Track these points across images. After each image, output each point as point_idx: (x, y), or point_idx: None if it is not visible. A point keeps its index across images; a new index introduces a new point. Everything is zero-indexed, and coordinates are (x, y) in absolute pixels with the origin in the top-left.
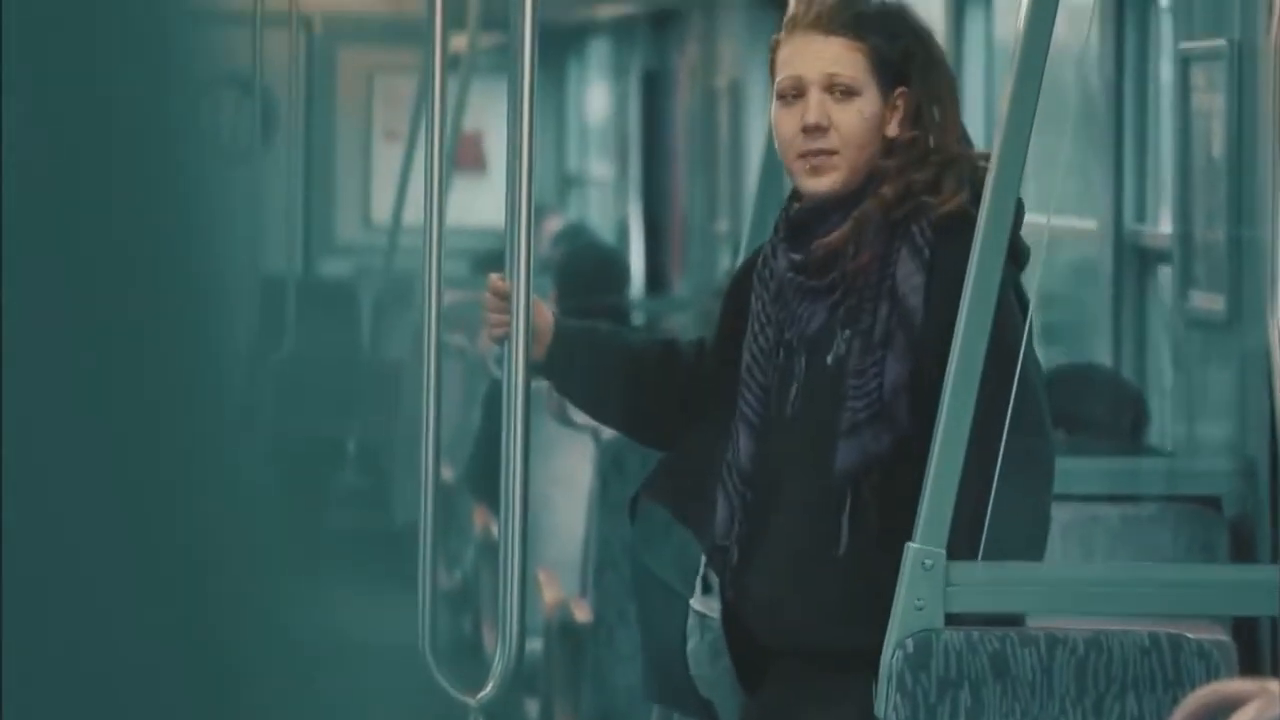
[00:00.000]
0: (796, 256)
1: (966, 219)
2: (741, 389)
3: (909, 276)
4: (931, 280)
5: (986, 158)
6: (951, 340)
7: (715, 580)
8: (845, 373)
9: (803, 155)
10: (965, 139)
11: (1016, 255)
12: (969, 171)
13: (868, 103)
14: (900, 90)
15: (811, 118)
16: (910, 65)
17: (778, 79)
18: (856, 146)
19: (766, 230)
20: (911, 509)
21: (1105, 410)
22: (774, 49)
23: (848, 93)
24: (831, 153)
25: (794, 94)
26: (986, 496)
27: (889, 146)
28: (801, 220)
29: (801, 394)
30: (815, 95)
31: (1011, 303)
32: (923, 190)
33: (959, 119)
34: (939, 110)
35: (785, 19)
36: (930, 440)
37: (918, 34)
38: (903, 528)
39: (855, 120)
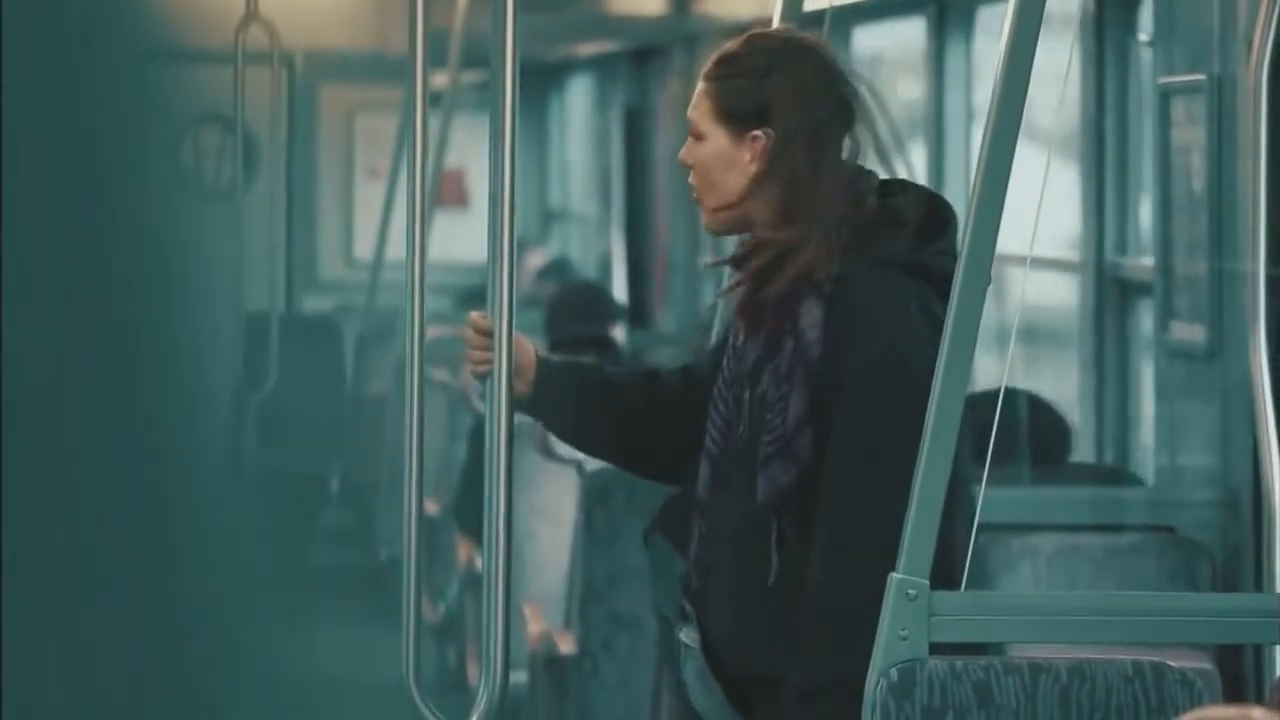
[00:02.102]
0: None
1: (854, 266)
2: (706, 421)
3: (809, 313)
4: (829, 316)
5: (893, 196)
6: (865, 374)
7: (692, 611)
8: (765, 407)
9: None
10: (840, 182)
11: (930, 275)
12: (836, 223)
13: (713, 145)
14: (756, 133)
15: (680, 155)
16: (768, 108)
17: None
18: (709, 185)
19: None
20: (820, 543)
21: (1032, 435)
22: None
23: (697, 136)
24: (695, 190)
25: None
26: (888, 524)
27: (761, 187)
28: (734, 259)
29: (744, 427)
30: (689, 138)
31: (912, 324)
32: (764, 276)
33: (830, 161)
34: (800, 155)
35: None
36: (831, 473)
37: (787, 75)
38: (816, 561)
39: (703, 161)
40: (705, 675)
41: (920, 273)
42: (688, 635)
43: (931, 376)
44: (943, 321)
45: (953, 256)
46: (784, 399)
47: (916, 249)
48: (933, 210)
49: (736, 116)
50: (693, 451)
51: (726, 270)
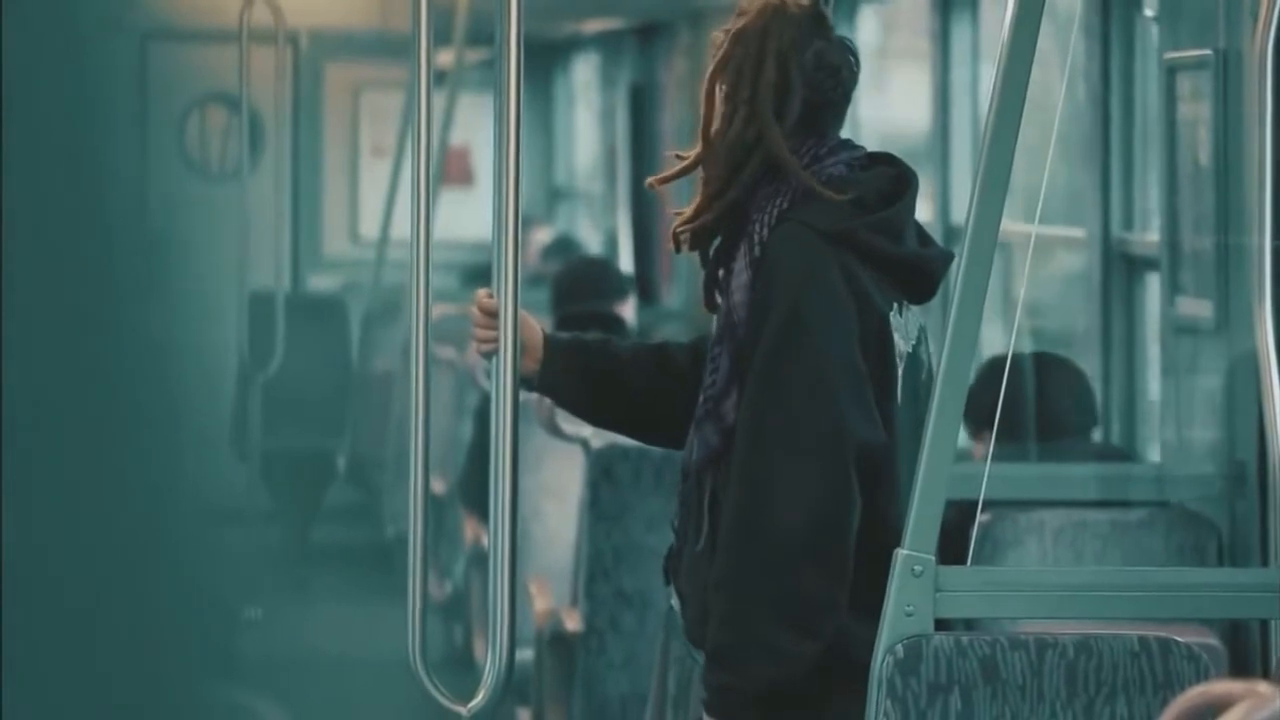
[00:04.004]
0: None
1: (782, 220)
2: (701, 390)
3: (739, 274)
4: (756, 278)
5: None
6: (762, 332)
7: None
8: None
9: None
10: (778, 138)
11: (858, 245)
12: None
13: (708, 107)
14: (723, 90)
15: None
16: (731, 66)
17: None
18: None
19: None
20: (735, 502)
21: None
22: None
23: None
24: None
25: None
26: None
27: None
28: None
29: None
30: None
31: (816, 287)
32: (709, 206)
33: (775, 116)
34: (750, 112)
35: None
36: (739, 435)
37: (753, 33)
38: (734, 520)
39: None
40: (685, 641)
41: (846, 241)
42: (674, 600)
43: (835, 341)
44: (868, 292)
45: (889, 234)
46: (714, 360)
47: (847, 219)
48: (891, 185)
49: (717, 74)
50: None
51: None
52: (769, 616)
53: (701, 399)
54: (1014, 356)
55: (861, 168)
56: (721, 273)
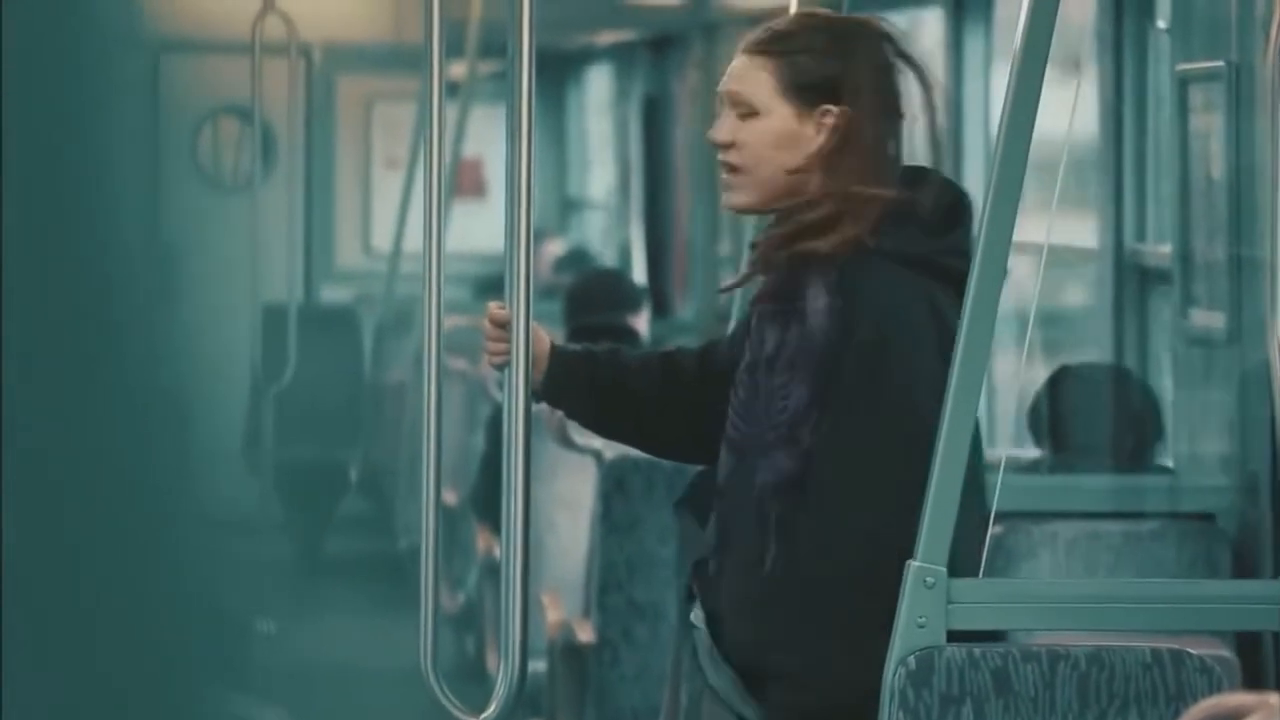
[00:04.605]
0: (760, 280)
1: (865, 250)
2: (729, 407)
3: (815, 300)
4: (835, 302)
5: (924, 183)
6: (855, 361)
7: (698, 592)
8: (772, 394)
9: (721, 169)
10: (892, 165)
11: (938, 271)
12: (875, 207)
13: (772, 122)
14: (827, 109)
15: (718, 134)
16: (840, 86)
17: None
18: (760, 164)
19: None
20: (818, 527)
21: (1107, 425)
22: None
23: (750, 112)
24: (737, 169)
25: (720, 110)
26: (887, 518)
27: (817, 166)
28: (755, 243)
29: (759, 414)
30: (725, 113)
31: (906, 318)
32: (811, 233)
33: (890, 144)
34: (866, 135)
35: None
36: (824, 460)
37: (857, 54)
38: (816, 546)
39: (756, 139)
40: (714, 654)
41: (928, 269)
42: (695, 615)
43: (920, 369)
44: (949, 320)
45: (964, 255)
46: (787, 386)
47: (926, 244)
48: (950, 205)
49: (806, 91)
50: (714, 432)
51: (746, 257)
52: (850, 641)
53: (772, 425)
54: (1077, 369)
55: (908, 184)
56: (764, 296)
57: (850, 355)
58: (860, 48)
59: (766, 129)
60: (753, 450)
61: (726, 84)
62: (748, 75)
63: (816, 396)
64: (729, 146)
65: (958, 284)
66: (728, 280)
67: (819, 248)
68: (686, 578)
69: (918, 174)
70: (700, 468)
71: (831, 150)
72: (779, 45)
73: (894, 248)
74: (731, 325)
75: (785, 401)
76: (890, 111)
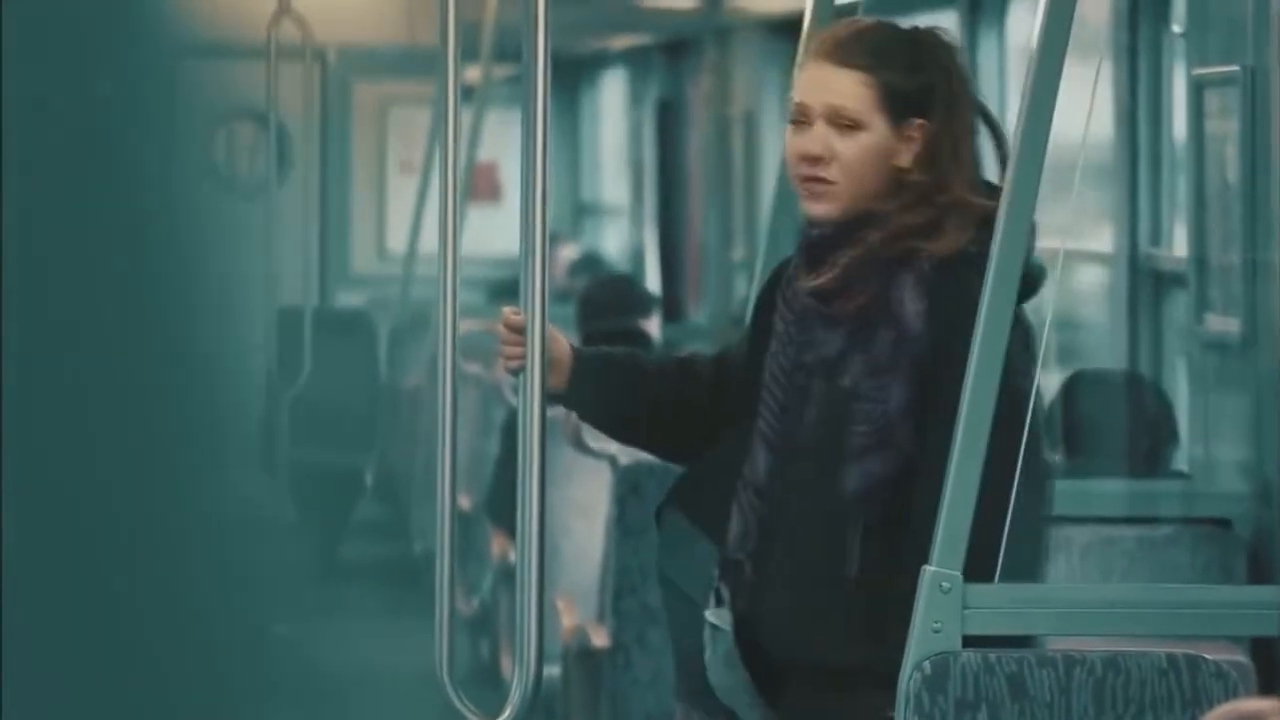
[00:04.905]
0: (814, 282)
1: (965, 256)
2: (760, 406)
3: (912, 303)
4: (934, 305)
5: (997, 196)
6: (956, 364)
7: (726, 593)
8: (855, 397)
9: (803, 181)
10: (979, 176)
11: (1024, 278)
12: (975, 214)
13: (873, 135)
14: (918, 123)
15: (811, 148)
16: (931, 98)
17: (791, 102)
18: (857, 178)
19: (781, 256)
20: (917, 531)
21: (1121, 430)
22: (797, 70)
23: (851, 126)
24: (830, 182)
25: (801, 120)
26: (992, 522)
27: (900, 178)
28: (815, 245)
29: (816, 416)
30: (819, 126)
31: (1014, 330)
32: (916, 234)
33: (976, 156)
34: (956, 146)
35: (806, 43)
36: (936, 463)
37: (942, 67)
38: (910, 549)
39: (857, 153)
40: (733, 657)
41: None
42: (718, 617)
43: (1025, 373)
44: (1023, 320)
45: (1037, 264)
46: (884, 389)
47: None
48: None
49: (900, 105)
50: (718, 437)
51: (793, 260)
52: None
53: (862, 429)
54: (1091, 374)
55: (986, 194)
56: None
57: (955, 359)
58: (946, 61)
59: (868, 143)
60: (805, 454)
61: (820, 96)
62: (846, 89)
63: (917, 400)
64: (824, 160)
65: (1032, 284)
66: (809, 281)
67: (934, 249)
68: (711, 580)
69: (989, 185)
70: (685, 473)
71: (924, 161)
72: (874, 59)
73: (987, 250)
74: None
75: (881, 405)
76: (973, 123)
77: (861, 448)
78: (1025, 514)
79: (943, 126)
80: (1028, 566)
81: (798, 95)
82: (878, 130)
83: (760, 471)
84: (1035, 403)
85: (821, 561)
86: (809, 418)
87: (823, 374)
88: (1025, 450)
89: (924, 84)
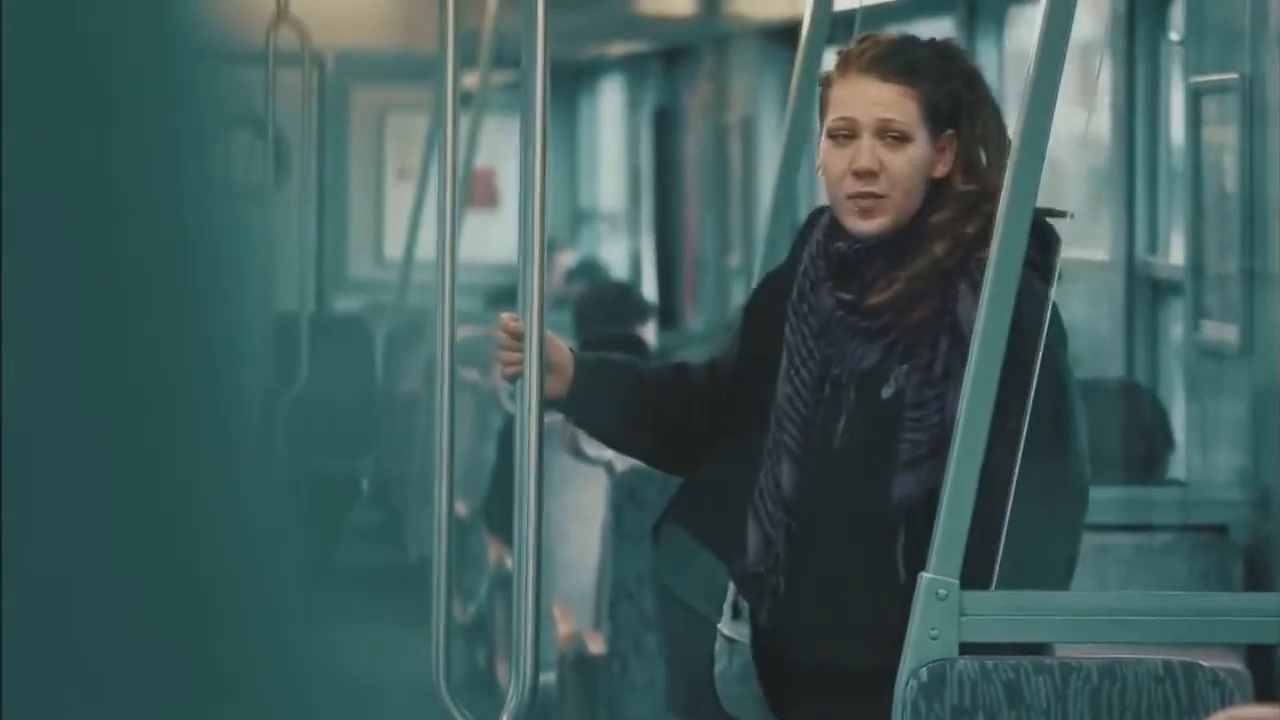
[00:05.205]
0: (846, 296)
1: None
2: (782, 420)
3: (969, 311)
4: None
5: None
6: (1013, 374)
7: (745, 605)
8: (903, 406)
9: (851, 196)
10: (1003, 171)
11: (1043, 270)
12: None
13: (918, 148)
14: (949, 133)
15: (864, 162)
16: (959, 108)
17: (830, 118)
18: (905, 191)
19: (778, 263)
20: (982, 536)
21: (1118, 437)
22: (825, 84)
23: (900, 138)
24: (881, 196)
25: (845, 135)
26: (1026, 524)
27: (936, 188)
28: (849, 259)
29: (851, 426)
30: (867, 140)
31: (1060, 332)
32: (972, 243)
33: (1005, 161)
34: (986, 153)
35: (839, 57)
36: (993, 469)
37: (967, 76)
38: (979, 554)
39: (906, 166)
40: (747, 671)
41: (1048, 279)
42: (735, 630)
43: (1072, 378)
44: (1060, 319)
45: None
46: (940, 397)
47: (1046, 258)
48: (1041, 220)
49: (937, 118)
50: (712, 447)
51: (811, 266)
52: None
53: (916, 438)
54: (1087, 381)
55: None
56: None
57: (1014, 364)
58: (966, 69)
59: (916, 155)
60: (839, 463)
61: (868, 110)
62: (894, 101)
63: None
64: (875, 174)
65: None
66: (877, 296)
67: (980, 259)
68: (720, 593)
69: None
70: (683, 487)
71: (959, 170)
72: (915, 72)
73: (1031, 259)
74: (737, 340)
75: (937, 415)
76: (998, 133)
77: (915, 456)
78: (1058, 523)
79: (971, 135)
80: (1058, 578)
81: (842, 109)
82: (921, 142)
83: (785, 484)
84: (1079, 408)
85: (865, 569)
86: (841, 429)
87: (856, 386)
88: (1066, 451)
89: (953, 94)
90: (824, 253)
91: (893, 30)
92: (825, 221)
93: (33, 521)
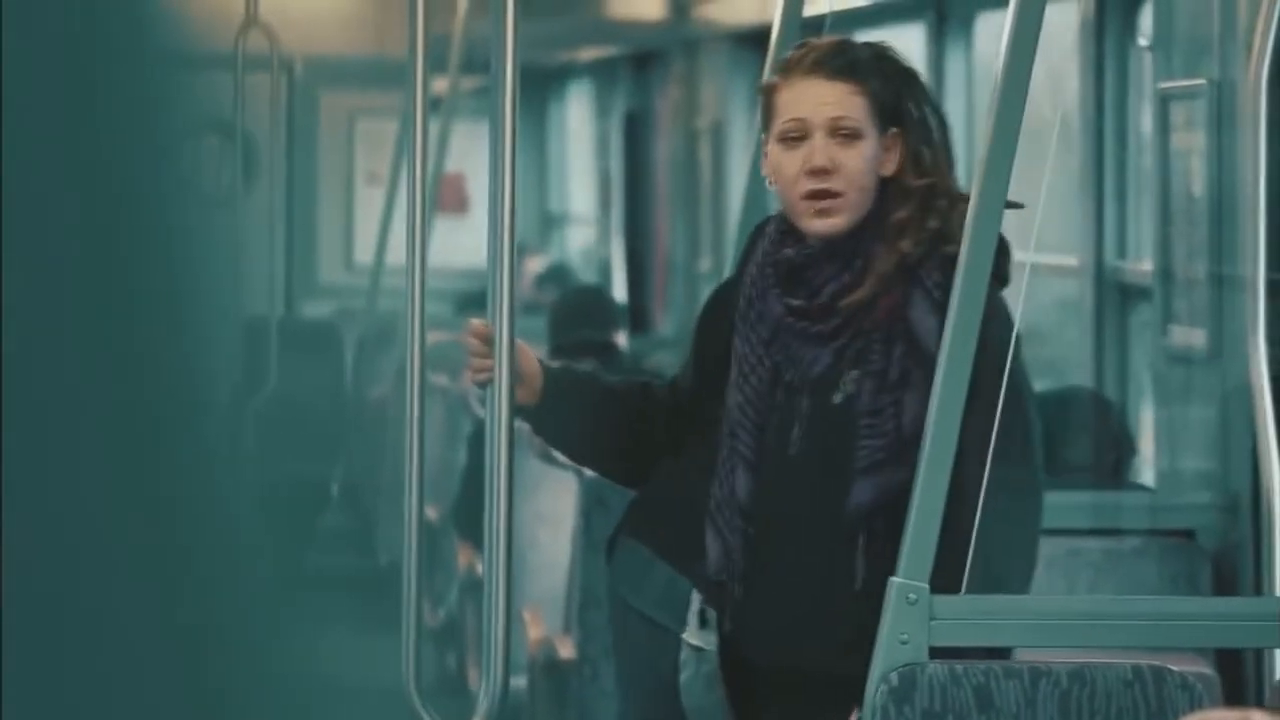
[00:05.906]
0: (795, 302)
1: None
2: (735, 429)
3: (923, 318)
4: (945, 321)
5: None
6: (989, 372)
7: (712, 615)
8: (856, 412)
9: (808, 196)
10: (953, 175)
11: (1001, 276)
12: (957, 210)
13: (869, 145)
14: (894, 131)
15: (818, 160)
16: (902, 106)
17: (779, 121)
18: (860, 188)
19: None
20: (946, 540)
21: (1086, 445)
22: (768, 92)
23: (851, 135)
24: (837, 195)
25: (796, 136)
26: (990, 528)
27: (885, 187)
28: (796, 265)
29: (805, 434)
30: (820, 138)
31: (996, 326)
32: (935, 237)
33: (950, 157)
34: (930, 151)
35: (781, 63)
36: (959, 474)
37: (907, 76)
38: (944, 559)
39: (859, 163)
40: (713, 679)
41: (1003, 282)
42: (701, 639)
43: (1028, 379)
44: (1012, 320)
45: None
46: (896, 403)
47: (998, 260)
48: None
49: (884, 115)
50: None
51: (769, 277)
52: None
53: (872, 444)
54: (1052, 387)
55: None
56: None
57: (978, 368)
58: (911, 73)
59: (867, 152)
60: (793, 471)
61: (819, 109)
62: (843, 100)
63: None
64: (829, 172)
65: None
66: (848, 297)
67: (947, 253)
68: (683, 604)
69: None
70: (636, 500)
71: (906, 167)
72: (861, 72)
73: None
74: (692, 351)
75: (897, 420)
76: (940, 130)
77: (871, 463)
78: (1016, 525)
79: (916, 132)
80: (1023, 579)
81: (792, 111)
82: (871, 139)
83: (742, 492)
84: (1033, 411)
85: (824, 576)
86: (796, 436)
87: (809, 392)
88: (1028, 457)
89: (896, 92)
90: (771, 261)
91: (860, 34)
92: (771, 231)
93: (19, 522)
